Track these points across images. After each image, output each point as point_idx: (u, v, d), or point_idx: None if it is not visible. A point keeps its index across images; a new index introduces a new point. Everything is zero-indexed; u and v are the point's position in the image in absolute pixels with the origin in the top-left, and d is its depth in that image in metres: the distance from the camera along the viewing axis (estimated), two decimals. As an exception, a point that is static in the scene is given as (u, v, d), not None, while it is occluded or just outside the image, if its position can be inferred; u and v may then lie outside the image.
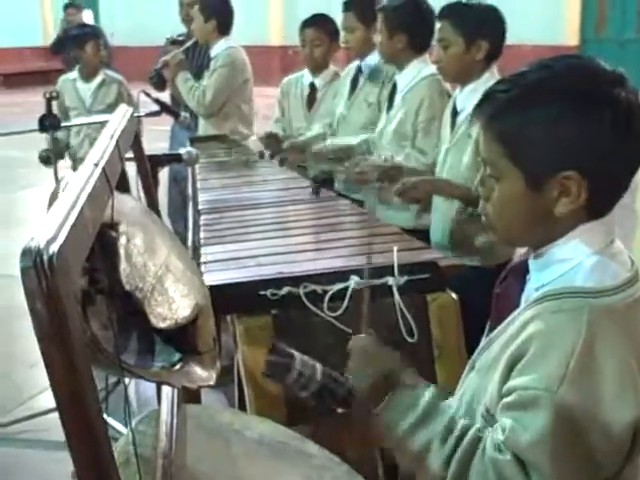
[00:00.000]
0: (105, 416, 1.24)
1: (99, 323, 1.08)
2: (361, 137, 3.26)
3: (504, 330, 1.20)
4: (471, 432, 1.16)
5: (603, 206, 1.17)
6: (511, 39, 2.59)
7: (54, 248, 0.70)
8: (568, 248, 1.16)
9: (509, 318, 1.21)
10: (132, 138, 1.71)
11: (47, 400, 3.54)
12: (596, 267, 1.14)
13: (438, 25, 2.55)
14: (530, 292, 1.22)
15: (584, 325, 1.07)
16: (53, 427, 3.29)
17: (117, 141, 1.35)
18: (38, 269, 0.67)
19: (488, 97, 1.20)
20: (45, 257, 0.68)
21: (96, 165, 1.09)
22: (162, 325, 1.13)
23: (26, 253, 0.68)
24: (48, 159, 7.75)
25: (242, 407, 2.06)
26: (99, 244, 1.07)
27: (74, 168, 4.50)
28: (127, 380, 1.70)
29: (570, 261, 1.15)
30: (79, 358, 0.69)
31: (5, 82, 15.29)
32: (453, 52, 2.51)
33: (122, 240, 1.13)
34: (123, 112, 1.70)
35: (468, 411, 1.25)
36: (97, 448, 0.70)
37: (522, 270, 1.27)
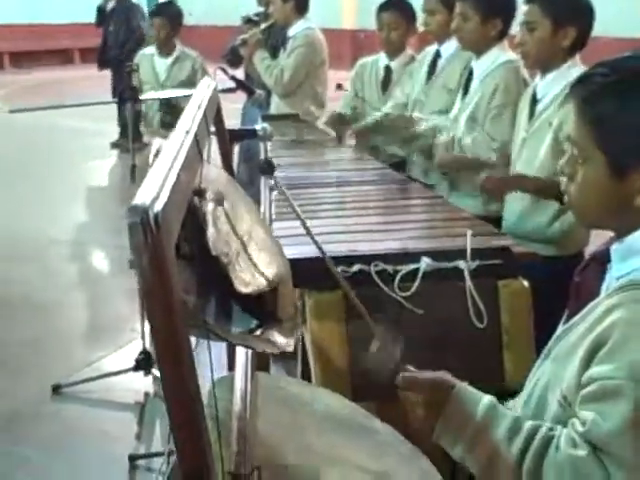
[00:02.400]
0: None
1: (182, 286, 1.11)
2: (432, 121, 3.23)
3: (583, 318, 1.19)
4: (542, 431, 1.16)
5: None
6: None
7: (158, 206, 0.73)
8: None
9: (589, 306, 1.20)
10: (215, 111, 1.75)
11: (113, 363, 3.66)
12: None
13: (525, 8, 2.52)
14: (611, 281, 1.21)
15: None
16: (117, 389, 3.40)
17: (204, 111, 1.38)
18: (145, 225, 0.69)
19: (586, 79, 1.19)
20: (151, 214, 0.70)
21: (187, 132, 1.12)
22: (245, 290, 1.15)
23: (133, 210, 0.71)
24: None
25: (307, 380, 2.08)
26: (187, 209, 1.10)
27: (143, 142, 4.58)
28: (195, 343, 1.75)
29: None
30: (178, 314, 0.71)
31: (82, 56, 15.67)
32: (539, 36, 2.46)
33: (209, 207, 1.16)
34: (207, 84, 1.73)
35: (541, 399, 1.25)
36: (191, 403, 0.73)
37: (603, 259, 1.26)
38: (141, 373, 3.36)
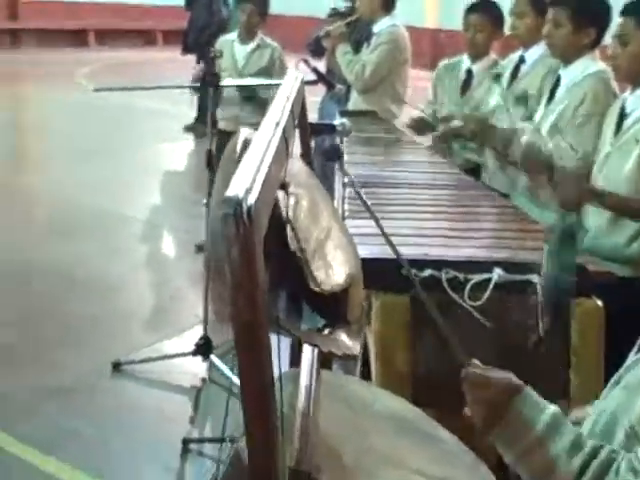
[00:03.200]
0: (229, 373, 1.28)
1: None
2: (512, 126, 3.18)
3: None
4: (604, 452, 1.13)
5: None
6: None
7: (251, 200, 0.73)
8: None
9: None
10: (300, 104, 1.74)
11: (172, 345, 3.71)
12: None
13: (619, 20, 2.45)
14: None
15: None
16: (175, 372, 3.45)
17: (292, 104, 1.38)
18: (237, 217, 0.69)
19: None
20: (244, 207, 0.70)
21: (277, 124, 1.12)
22: (317, 289, 1.15)
23: (227, 202, 0.71)
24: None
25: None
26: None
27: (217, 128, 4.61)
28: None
29: None
30: (262, 308, 0.71)
31: (165, 38, 15.92)
32: (632, 50, 2.41)
33: (291, 201, 1.16)
34: (295, 76, 1.73)
35: (608, 427, 1.22)
36: (266, 397, 0.73)
37: None
38: (199, 358, 3.39)
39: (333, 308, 1.24)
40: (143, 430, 3.11)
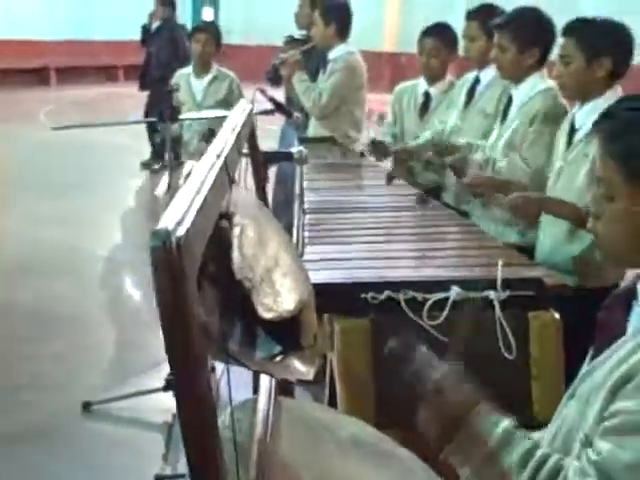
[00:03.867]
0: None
1: (206, 309, 1.12)
2: (468, 140, 3.23)
3: (609, 357, 1.17)
4: (552, 460, 1.15)
5: None
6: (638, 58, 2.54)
7: (181, 231, 0.73)
8: None
9: (614, 346, 1.18)
10: (249, 134, 1.76)
11: (143, 381, 3.67)
12: None
13: (561, 41, 2.52)
14: (638, 318, 1.18)
15: None
16: (146, 408, 3.41)
17: (237, 135, 1.39)
18: (167, 249, 0.70)
19: (610, 114, 1.18)
20: (174, 238, 0.71)
21: (218, 156, 1.13)
22: (267, 316, 1.15)
23: (155, 234, 0.71)
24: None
25: (333, 405, 2.08)
26: (213, 232, 1.11)
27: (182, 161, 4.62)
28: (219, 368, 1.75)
29: None
30: (196, 340, 0.72)
31: (126, 73, 15.94)
32: (574, 68, 2.47)
33: (236, 231, 1.17)
34: (243, 107, 1.75)
35: (566, 440, 1.23)
36: (208, 425, 0.73)
37: (628, 296, 1.24)
38: (170, 393, 3.36)
39: (285, 335, 1.25)
40: (116, 469, 3.07)
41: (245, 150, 1.91)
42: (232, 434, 1.13)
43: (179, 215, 0.78)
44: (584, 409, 1.18)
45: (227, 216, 1.17)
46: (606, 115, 1.19)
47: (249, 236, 1.19)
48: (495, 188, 2.75)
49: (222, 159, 1.12)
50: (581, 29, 2.50)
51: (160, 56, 8.20)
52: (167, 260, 0.69)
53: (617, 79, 2.49)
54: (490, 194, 2.82)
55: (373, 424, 1.73)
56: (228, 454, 1.14)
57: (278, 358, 1.17)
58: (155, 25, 8.64)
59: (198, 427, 0.73)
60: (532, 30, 2.86)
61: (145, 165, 8.29)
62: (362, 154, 3.90)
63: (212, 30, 4.87)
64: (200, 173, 1.01)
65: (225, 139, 1.29)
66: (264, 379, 1.40)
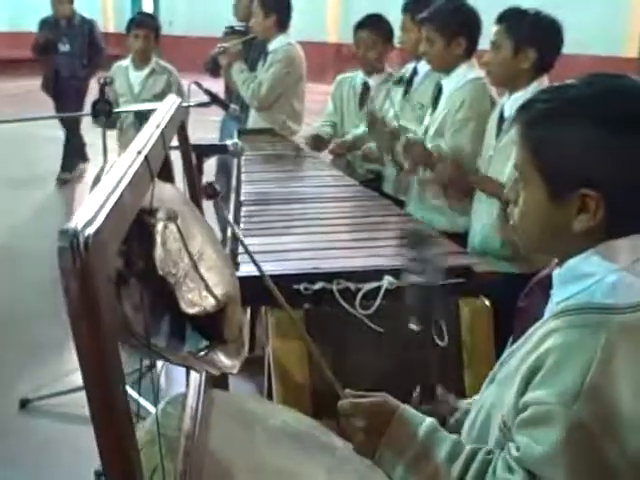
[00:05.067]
0: (137, 397, 1.28)
1: (132, 305, 1.12)
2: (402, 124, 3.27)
3: (524, 343, 1.20)
4: (480, 454, 1.17)
5: (624, 226, 1.15)
6: (568, 48, 2.59)
7: (90, 230, 0.73)
8: (590, 263, 1.15)
9: (529, 331, 1.20)
10: (178, 128, 1.75)
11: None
12: (618, 284, 1.12)
13: (495, 28, 2.57)
14: (553, 306, 1.22)
15: (602, 342, 1.06)
16: (86, 404, 3.37)
17: (162, 130, 1.39)
18: (74, 250, 0.69)
19: (528, 104, 1.21)
20: (81, 239, 0.70)
21: (139, 153, 1.13)
22: (191, 311, 1.16)
23: (63, 234, 0.71)
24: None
25: (271, 397, 2.09)
26: (137, 229, 1.11)
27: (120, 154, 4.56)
28: (159, 363, 1.74)
29: (592, 276, 1.14)
30: (107, 338, 0.72)
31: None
32: (502, 56, 2.54)
33: (159, 226, 1.17)
34: (171, 102, 1.74)
35: (484, 424, 1.25)
36: (119, 426, 0.73)
37: (547, 284, 1.27)
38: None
39: (211, 328, 1.26)
40: (58, 467, 3.03)
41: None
42: (163, 430, 1.14)
43: (90, 214, 0.77)
44: (502, 394, 1.20)
45: (151, 212, 1.17)
46: (525, 105, 1.22)
47: (173, 231, 1.19)
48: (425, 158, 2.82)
49: (143, 155, 1.12)
50: (512, 17, 2.56)
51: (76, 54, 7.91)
52: (74, 261, 0.69)
53: (544, 71, 2.55)
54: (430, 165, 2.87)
55: (309, 415, 1.75)
56: (156, 450, 1.15)
57: (202, 352, 1.18)
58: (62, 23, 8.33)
59: (111, 431, 0.73)
60: (456, 21, 2.91)
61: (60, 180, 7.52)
62: (299, 147, 3.92)
63: (150, 24, 4.81)
64: (119, 170, 1.01)
65: (149, 135, 1.29)
66: (193, 373, 1.41)
